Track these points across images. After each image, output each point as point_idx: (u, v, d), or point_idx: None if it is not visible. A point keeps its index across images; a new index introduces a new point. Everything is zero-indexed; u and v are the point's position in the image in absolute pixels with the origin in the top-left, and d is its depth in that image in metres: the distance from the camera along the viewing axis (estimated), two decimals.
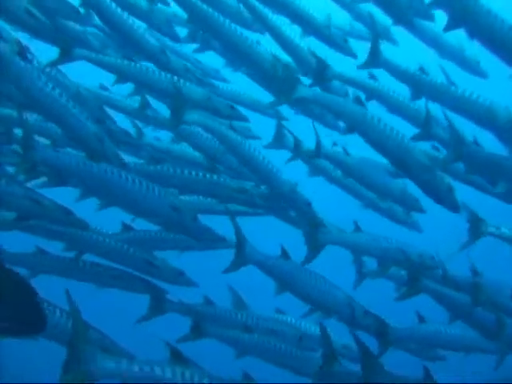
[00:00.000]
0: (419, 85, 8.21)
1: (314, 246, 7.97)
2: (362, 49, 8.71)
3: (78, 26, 8.21)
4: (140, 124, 9.09)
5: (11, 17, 7.77)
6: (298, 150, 8.68)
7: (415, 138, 7.97)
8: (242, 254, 7.56)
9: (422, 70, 8.26)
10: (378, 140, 7.73)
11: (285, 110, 9.41)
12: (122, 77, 8.05)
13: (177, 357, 5.76)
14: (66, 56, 7.64)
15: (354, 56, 8.94)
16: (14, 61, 6.80)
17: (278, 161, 8.52)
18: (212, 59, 9.50)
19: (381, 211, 9.26)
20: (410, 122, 8.51)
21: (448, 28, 7.77)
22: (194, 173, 8.19)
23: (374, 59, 8.17)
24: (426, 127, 8.05)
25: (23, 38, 7.86)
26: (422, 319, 8.83)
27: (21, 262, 7.95)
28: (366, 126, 7.67)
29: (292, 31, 8.60)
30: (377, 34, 8.39)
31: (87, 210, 7.85)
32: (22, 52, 6.98)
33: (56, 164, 7.08)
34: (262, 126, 9.43)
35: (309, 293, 7.87)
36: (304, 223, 8.19)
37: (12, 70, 6.79)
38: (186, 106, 7.71)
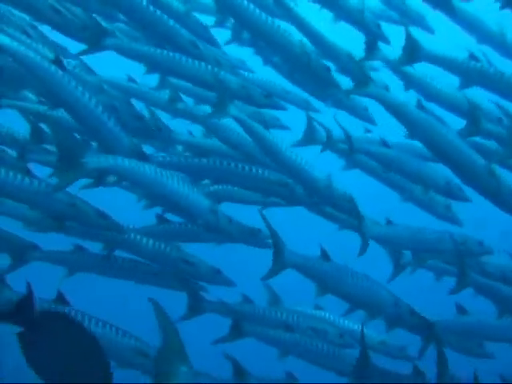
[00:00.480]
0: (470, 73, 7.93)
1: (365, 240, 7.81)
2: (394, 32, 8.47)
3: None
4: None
5: (36, 13, 7.58)
6: (330, 143, 8.44)
7: (463, 134, 7.62)
8: (281, 259, 7.30)
9: (472, 57, 7.97)
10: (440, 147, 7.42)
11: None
12: (155, 67, 7.79)
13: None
14: (96, 45, 7.43)
15: (387, 42, 8.63)
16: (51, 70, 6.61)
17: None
18: (236, 50, 9.15)
19: (421, 204, 8.99)
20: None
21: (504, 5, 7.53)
22: (232, 164, 7.90)
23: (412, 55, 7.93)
24: (473, 122, 7.70)
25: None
26: (462, 311, 8.61)
27: (58, 261, 7.79)
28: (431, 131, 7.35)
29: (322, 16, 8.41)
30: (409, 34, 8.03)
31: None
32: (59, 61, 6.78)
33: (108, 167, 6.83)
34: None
35: (353, 294, 7.62)
36: (350, 218, 8.02)
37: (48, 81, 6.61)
38: (230, 98, 7.46)
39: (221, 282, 7.93)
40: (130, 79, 9.01)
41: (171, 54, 7.71)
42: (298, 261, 7.40)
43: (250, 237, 7.92)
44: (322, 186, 7.91)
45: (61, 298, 6.85)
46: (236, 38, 8.51)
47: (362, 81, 7.47)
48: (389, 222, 8.21)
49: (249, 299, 8.28)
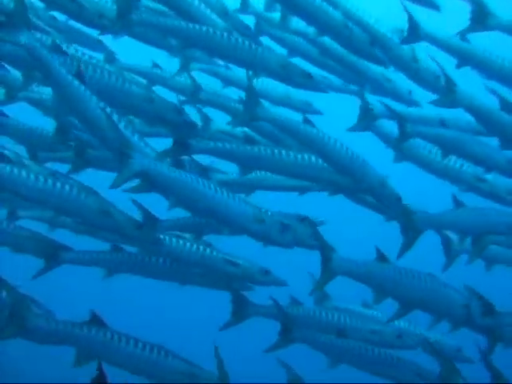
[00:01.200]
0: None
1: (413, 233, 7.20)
2: None
3: None
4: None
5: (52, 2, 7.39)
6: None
7: None
8: (330, 267, 6.77)
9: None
10: None
11: None
12: (186, 40, 7.22)
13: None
14: (123, 24, 7.02)
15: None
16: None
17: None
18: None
19: (482, 193, 8.27)
20: None
21: None
22: (284, 153, 7.21)
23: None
24: None
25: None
26: None
27: (94, 262, 7.27)
28: None
29: None
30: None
31: None
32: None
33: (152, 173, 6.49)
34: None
35: (417, 297, 6.90)
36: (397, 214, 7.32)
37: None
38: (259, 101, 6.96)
39: (271, 283, 7.21)
40: (155, 65, 8.66)
41: (204, 27, 7.21)
42: (349, 267, 6.80)
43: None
44: (377, 183, 7.31)
45: (96, 320, 6.48)
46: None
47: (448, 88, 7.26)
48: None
49: (297, 301, 7.60)
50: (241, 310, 7.23)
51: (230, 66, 8.45)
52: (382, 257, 6.87)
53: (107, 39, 7.92)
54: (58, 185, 6.51)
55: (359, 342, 7.55)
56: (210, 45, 7.19)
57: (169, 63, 8.39)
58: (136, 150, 6.37)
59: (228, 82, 8.76)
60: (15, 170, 6.43)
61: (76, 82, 6.35)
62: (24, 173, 6.46)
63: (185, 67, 8.11)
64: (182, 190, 6.54)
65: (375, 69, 8.17)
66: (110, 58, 8.36)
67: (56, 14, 7.73)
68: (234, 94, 8.42)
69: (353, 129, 7.77)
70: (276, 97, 8.59)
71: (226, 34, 7.17)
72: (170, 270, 7.25)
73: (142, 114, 7.05)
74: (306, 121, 7.13)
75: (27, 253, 7.06)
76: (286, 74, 7.37)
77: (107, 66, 7.23)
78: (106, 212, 6.67)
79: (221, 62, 8.35)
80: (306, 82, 7.47)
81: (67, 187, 6.54)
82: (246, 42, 7.23)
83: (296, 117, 7.49)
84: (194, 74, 8.48)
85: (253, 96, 6.96)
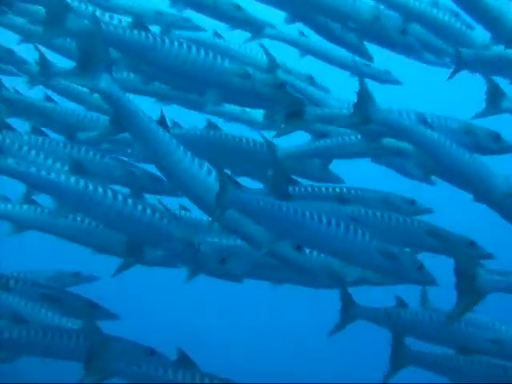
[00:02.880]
0: None
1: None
2: None
3: None
4: None
5: None
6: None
7: None
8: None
9: None
10: None
11: None
12: None
13: None
14: None
15: None
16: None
17: None
18: None
19: None
20: None
21: None
22: None
23: None
24: None
25: None
26: None
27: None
28: None
29: None
30: None
31: None
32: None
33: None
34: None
35: None
36: None
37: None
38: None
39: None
40: (216, 34, 7.98)
41: None
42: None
43: None
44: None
45: (184, 359, 6.14)
46: None
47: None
48: None
49: (404, 302, 6.64)
50: (348, 312, 6.50)
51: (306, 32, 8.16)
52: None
53: None
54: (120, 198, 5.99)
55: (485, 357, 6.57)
56: None
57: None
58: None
59: (305, 49, 8.48)
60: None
61: (161, 132, 5.65)
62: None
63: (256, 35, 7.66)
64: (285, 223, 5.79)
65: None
66: None
67: None
68: None
69: (481, 115, 6.74)
70: None
71: None
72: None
73: (236, 91, 6.35)
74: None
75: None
76: (380, 27, 7.01)
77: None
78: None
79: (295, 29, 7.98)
80: (402, 39, 7.09)
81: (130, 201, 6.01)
82: None
83: None
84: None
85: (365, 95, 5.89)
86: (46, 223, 6.79)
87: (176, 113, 7.36)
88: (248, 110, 8.62)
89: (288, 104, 6.29)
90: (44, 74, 7.24)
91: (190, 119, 7.37)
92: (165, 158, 5.68)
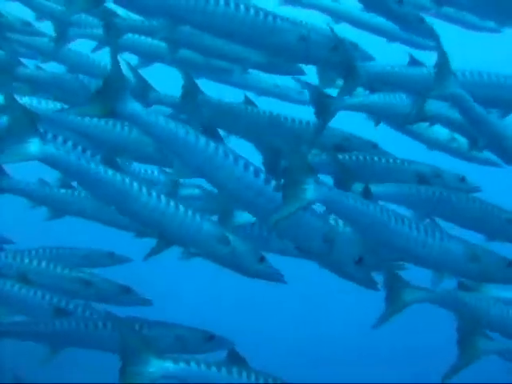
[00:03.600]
0: None
1: None
2: None
3: None
4: None
5: None
6: None
7: None
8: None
9: None
10: None
11: None
12: None
13: None
14: None
15: None
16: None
17: None
18: None
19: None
20: None
21: None
22: None
23: None
24: None
25: None
26: None
27: None
28: None
29: None
30: None
31: None
32: None
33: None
34: None
35: None
36: None
37: None
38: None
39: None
40: None
41: None
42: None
43: None
44: None
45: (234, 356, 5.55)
46: None
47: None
48: None
49: (465, 285, 6.08)
50: (395, 301, 5.86)
51: None
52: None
53: None
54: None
55: None
56: None
57: None
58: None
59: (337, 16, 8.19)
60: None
61: (211, 148, 5.19)
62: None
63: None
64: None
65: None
66: None
67: None
68: None
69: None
70: None
71: None
72: None
73: (292, 55, 6.24)
74: None
75: None
76: None
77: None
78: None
79: None
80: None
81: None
82: None
83: None
84: None
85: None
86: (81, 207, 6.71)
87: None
88: (280, 83, 8.40)
89: (343, 64, 6.08)
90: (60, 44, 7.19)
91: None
92: (216, 173, 5.24)
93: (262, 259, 5.72)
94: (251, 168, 5.20)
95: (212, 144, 5.14)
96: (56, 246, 7.57)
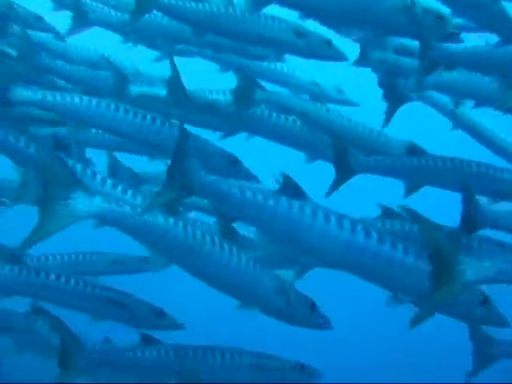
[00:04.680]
0: None
1: None
2: None
3: None
4: None
5: None
6: None
7: None
8: None
9: None
10: None
11: None
12: None
13: None
14: None
15: None
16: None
17: None
18: None
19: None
20: None
21: None
22: None
23: None
24: None
25: None
26: None
27: None
28: None
29: None
30: None
31: None
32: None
33: None
34: None
35: None
36: None
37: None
38: None
39: None
40: None
41: None
42: None
43: None
44: None
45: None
46: None
47: None
48: None
49: None
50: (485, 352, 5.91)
51: None
52: None
53: None
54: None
55: None
56: None
57: None
58: None
59: None
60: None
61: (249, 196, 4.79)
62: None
63: None
64: None
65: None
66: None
67: None
68: None
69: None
70: None
71: None
72: None
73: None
74: None
75: None
76: None
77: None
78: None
79: None
80: None
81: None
82: None
83: None
84: None
85: None
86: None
87: None
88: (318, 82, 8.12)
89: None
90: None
91: None
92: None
93: (313, 306, 5.38)
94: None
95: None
96: (77, 250, 7.22)
